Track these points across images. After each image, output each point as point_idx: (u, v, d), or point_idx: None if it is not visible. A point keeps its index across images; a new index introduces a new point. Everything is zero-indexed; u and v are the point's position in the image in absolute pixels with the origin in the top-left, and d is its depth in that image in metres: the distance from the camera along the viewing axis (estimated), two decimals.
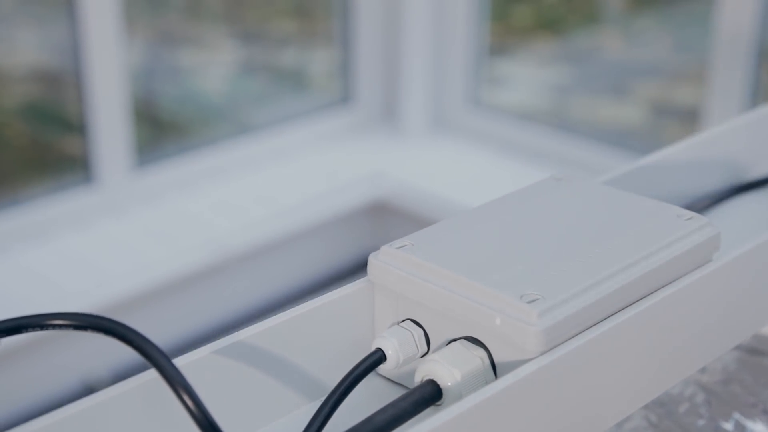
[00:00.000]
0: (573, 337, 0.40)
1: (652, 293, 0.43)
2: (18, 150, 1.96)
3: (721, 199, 0.60)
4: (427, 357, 0.41)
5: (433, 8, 2.19)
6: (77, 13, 1.80)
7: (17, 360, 1.65)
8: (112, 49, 1.84)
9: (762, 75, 1.81)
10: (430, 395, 0.40)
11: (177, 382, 0.37)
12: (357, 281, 0.45)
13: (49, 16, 1.90)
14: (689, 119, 2.05)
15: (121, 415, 0.39)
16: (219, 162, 2.05)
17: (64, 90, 1.93)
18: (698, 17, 2.03)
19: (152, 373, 0.39)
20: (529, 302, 0.40)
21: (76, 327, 0.39)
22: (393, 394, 0.44)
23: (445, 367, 0.40)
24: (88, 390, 1.64)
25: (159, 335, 1.74)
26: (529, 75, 2.35)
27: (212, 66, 2.18)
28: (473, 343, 0.41)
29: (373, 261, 0.44)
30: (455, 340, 0.42)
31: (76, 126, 1.91)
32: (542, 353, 0.39)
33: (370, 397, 0.44)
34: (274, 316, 0.43)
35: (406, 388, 0.44)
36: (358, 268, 1.98)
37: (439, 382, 0.40)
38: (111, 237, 1.86)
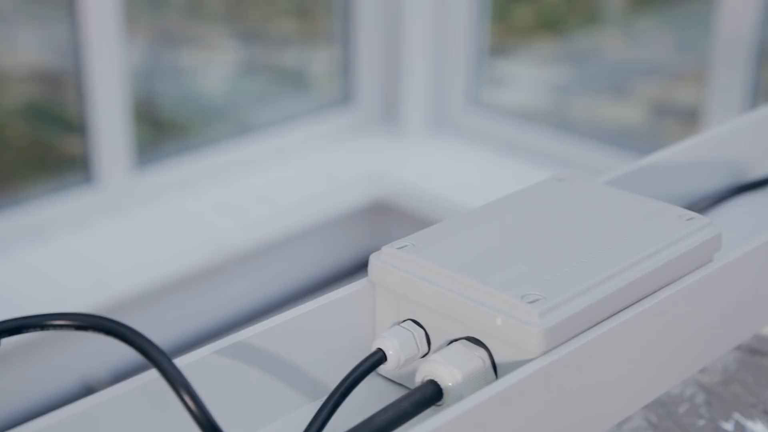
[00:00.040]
0: (574, 337, 0.40)
1: (653, 293, 0.43)
2: (18, 150, 1.95)
3: (721, 199, 0.60)
4: (427, 357, 0.41)
5: (433, 8, 2.19)
6: (77, 13, 1.80)
7: (17, 360, 1.65)
8: (112, 49, 1.84)
9: (762, 75, 1.81)
10: (431, 395, 0.40)
11: (178, 383, 0.37)
12: (358, 281, 0.45)
13: (50, 17, 1.90)
14: (689, 119, 2.05)
15: (121, 415, 0.39)
16: (219, 162, 2.05)
17: (64, 90, 1.93)
18: (698, 17, 2.03)
19: (153, 374, 0.39)
20: (530, 302, 0.40)
21: (77, 327, 0.39)
22: (394, 394, 0.44)
23: (446, 368, 0.40)
24: (88, 390, 1.64)
25: (159, 335, 1.74)
26: (530, 75, 2.35)
27: (213, 66, 2.18)
28: (474, 343, 0.41)
29: (374, 261, 0.44)
30: (456, 340, 0.42)
31: (76, 126, 1.91)
32: (543, 353, 0.39)
33: (370, 398, 0.44)
34: (275, 317, 0.43)
35: (407, 388, 0.44)
36: (359, 268, 1.98)
37: (440, 383, 0.40)
38: (111, 237, 1.86)
